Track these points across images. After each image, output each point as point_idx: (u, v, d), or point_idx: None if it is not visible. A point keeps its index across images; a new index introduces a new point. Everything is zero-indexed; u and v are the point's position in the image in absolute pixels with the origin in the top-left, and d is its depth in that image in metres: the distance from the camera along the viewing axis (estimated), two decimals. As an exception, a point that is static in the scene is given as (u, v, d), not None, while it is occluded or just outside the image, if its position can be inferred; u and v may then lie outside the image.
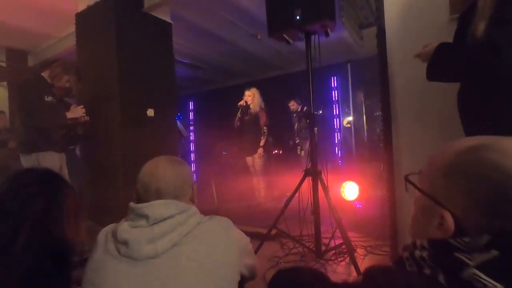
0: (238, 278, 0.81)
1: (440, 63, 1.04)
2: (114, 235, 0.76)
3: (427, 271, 0.45)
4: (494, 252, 0.40)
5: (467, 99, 1.03)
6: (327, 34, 1.77)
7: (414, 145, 1.62)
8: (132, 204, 0.80)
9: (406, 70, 1.62)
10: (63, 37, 3.85)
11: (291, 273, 0.65)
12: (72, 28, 3.08)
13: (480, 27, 0.91)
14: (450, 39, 1.15)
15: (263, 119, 3.75)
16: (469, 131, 1.04)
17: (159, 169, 0.85)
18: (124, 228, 0.75)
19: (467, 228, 0.45)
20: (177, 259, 0.71)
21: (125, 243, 0.72)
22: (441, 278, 0.43)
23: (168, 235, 0.73)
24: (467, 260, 0.41)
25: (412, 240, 0.51)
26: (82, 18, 2.95)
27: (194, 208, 0.82)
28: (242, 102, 3.81)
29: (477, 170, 0.45)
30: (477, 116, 0.99)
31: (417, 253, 0.48)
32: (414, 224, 0.53)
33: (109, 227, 0.82)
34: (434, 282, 0.43)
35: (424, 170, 0.52)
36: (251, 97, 3.79)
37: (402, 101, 1.66)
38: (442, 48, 1.04)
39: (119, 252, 0.73)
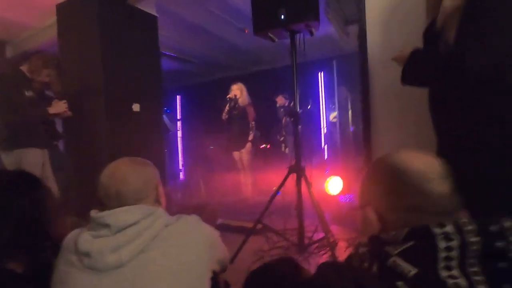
0: (210, 275, 0.81)
1: (413, 68, 1.09)
2: (76, 245, 0.73)
3: (366, 264, 0.53)
4: (410, 243, 0.48)
5: (435, 103, 1.09)
6: (311, 33, 1.80)
7: (392, 141, 1.70)
8: (92, 213, 0.77)
9: (385, 70, 1.67)
10: (44, 28, 3.73)
11: (261, 272, 0.74)
12: (53, 19, 2.99)
13: (450, 36, 0.96)
14: (426, 42, 1.20)
15: (251, 114, 3.77)
16: (439, 133, 1.11)
17: (119, 171, 0.82)
18: (85, 238, 0.72)
19: (394, 224, 0.54)
20: (145, 266, 0.69)
21: (87, 254, 0.70)
22: (375, 268, 0.51)
23: (133, 242, 0.70)
24: (391, 251, 0.49)
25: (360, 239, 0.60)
26: (64, 9, 2.86)
27: (160, 210, 0.79)
28: (231, 95, 3.81)
29: (385, 174, 0.58)
30: (444, 119, 1.05)
31: (361, 249, 0.57)
32: (361, 226, 0.62)
33: (73, 234, 0.79)
34: (368, 273, 0.51)
35: (360, 183, 0.64)
36: (239, 91, 3.79)
37: (382, 100, 1.72)
38: (415, 54, 1.09)
39: (82, 263, 0.70)
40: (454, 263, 0.45)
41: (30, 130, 2.20)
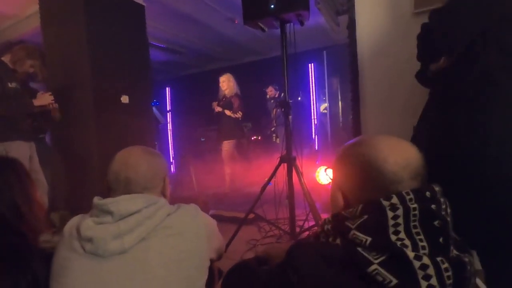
0: (208, 264, 0.83)
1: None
2: (78, 231, 0.74)
3: (331, 239, 0.61)
4: (365, 216, 0.56)
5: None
6: (301, 23, 1.80)
7: (381, 130, 1.73)
8: (95, 199, 0.77)
9: (375, 61, 1.70)
10: (26, 18, 3.59)
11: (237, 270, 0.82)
12: (35, 8, 2.88)
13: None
14: (414, 32, 1.22)
15: (235, 104, 3.77)
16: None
17: (132, 158, 0.83)
18: (88, 224, 0.73)
19: (352, 202, 0.61)
20: (145, 253, 0.71)
21: (90, 240, 0.71)
22: (338, 241, 0.59)
23: (135, 230, 0.72)
24: (350, 225, 0.57)
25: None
26: (46, -2, 2.77)
27: (163, 200, 0.81)
28: (220, 86, 3.85)
29: (353, 159, 0.62)
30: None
31: (326, 227, 0.63)
32: (330, 204, 0.69)
33: (74, 220, 0.80)
34: (334, 245, 0.59)
35: (332, 163, 0.68)
36: (226, 83, 3.80)
37: (371, 90, 1.74)
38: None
39: (84, 249, 0.71)
40: (400, 228, 0.53)
41: (15, 122, 2.14)
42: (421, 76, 1.14)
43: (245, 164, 4.23)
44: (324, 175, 2.85)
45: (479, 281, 0.71)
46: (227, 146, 3.78)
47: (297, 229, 2.09)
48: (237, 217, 2.54)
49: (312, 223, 2.04)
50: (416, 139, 0.83)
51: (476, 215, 0.83)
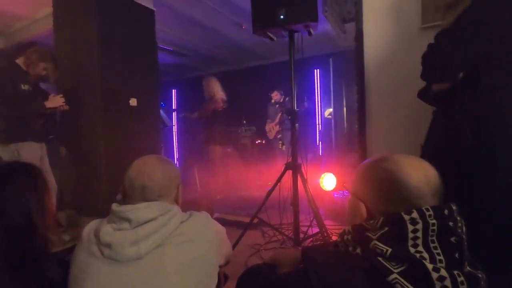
0: (217, 270, 0.86)
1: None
2: (97, 236, 0.77)
3: (351, 248, 0.65)
4: (386, 228, 0.59)
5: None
6: (310, 34, 1.83)
7: (386, 137, 1.76)
8: (114, 206, 0.81)
9: (380, 72, 1.72)
10: (39, 19, 3.66)
11: (251, 271, 0.85)
12: (47, 10, 2.94)
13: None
14: (420, 46, 1.24)
15: (204, 107, 3.82)
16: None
17: (147, 166, 0.86)
18: (107, 230, 0.76)
19: (374, 214, 0.64)
20: (160, 260, 0.74)
21: (108, 245, 0.74)
22: (358, 251, 0.62)
23: (151, 237, 0.74)
24: (371, 236, 0.60)
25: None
26: (60, 1, 2.83)
27: (176, 208, 0.84)
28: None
29: (378, 174, 0.65)
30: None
31: (345, 237, 0.67)
32: (347, 216, 0.72)
33: (92, 225, 0.83)
34: (354, 254, 0.62)
35: (352, 177, 0.72)
36: (204, 87, 3.87)
37: (377, 99, 1.76)
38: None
39: (102, 254, 0.74)
40: (419, 241, 0.56)
41: (27, 124, 2.19)
42: (424, 95, 1.16)
43: (248, 168, 4.25)
44: (329, 182, 2.87)
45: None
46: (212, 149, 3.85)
47: (301, 235, 2.11)
48: (240, 221, 2.57)
49: (316, 229, 2.06)
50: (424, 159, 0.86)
51: (482, 238, 0.84)
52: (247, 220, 2.13)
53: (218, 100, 3.79)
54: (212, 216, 2.97)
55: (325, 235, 1.89)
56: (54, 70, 2.34)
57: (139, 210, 0.77)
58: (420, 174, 0.61)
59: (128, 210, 0.77)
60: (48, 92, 2.46)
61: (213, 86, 3.85)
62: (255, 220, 2.07)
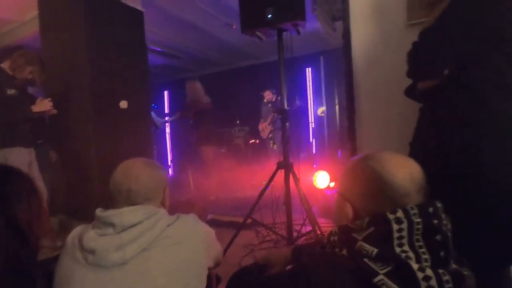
0: (206, 272, 0.85)
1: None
2: (81, 242, 0.75)
3: (337, 249, 0.64)
4: (371, 228, 0.59)
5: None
6: (298, 32, 1.84)
7: (374, 135, 1.77)
8: (98, 211, 0.79)
9: (368, 70, 1.74)
10: (24, 23, 3.61)
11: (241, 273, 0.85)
12: (34, 13, 2.90)
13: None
14: (408, 43, 1.25)
15: (185, 107, 3.93)
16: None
17: (133, 170, 0.85)
18: (91, 236, 0.75)
19: (361, 214, 0.64)
20: (145, 264, 0.73)
21: (92, 252, 0.72)
22: (345, 252, 0.62)
23: (136, 241, 0.73)
24: (357, 236, 0.60)
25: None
26: (46, 3, 2.78)
27: (162, 211, 0.82)
28: None
29: (363, 173, 0.64)
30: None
31: (332, 238, 0.66)
32: (334, 217, 0.72)
33: (77, 231, 0.81)
34: (340, 256, 0.62)
35: (339, 176, 0.71)
36: (187, 90, 3.91)
37: (366, 96, 1.77)
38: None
39: (86, 260, 0.73)
40: (404, 240, 0.56)
41: (15, 129, 2.16)
42: (410, 92, 1.17)
43: (242, 168, 4.25)
44: (322, 180, 2.89)
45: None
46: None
47: (294, 234, 2.11)
48: (235, 222, 2.57)
49: (309, 228, 2.07)
50: (412, 157, 0.87)
51: (468, 234, 0.83)
52: (241, 220, 2.13)
53: (201, 102, 3.85)
54: (206, 217, 2.96)
55: (318, 233, 1.90)
56: (41, 73, 2.30)
57: (124, 215, 0.76)
58: (405, 172, 0.61)
59: (113, 214, 0.76)
60: (35, 96, 2.42)
61: (198, 90, 3.88)
62: (249, 220, 2.07)
